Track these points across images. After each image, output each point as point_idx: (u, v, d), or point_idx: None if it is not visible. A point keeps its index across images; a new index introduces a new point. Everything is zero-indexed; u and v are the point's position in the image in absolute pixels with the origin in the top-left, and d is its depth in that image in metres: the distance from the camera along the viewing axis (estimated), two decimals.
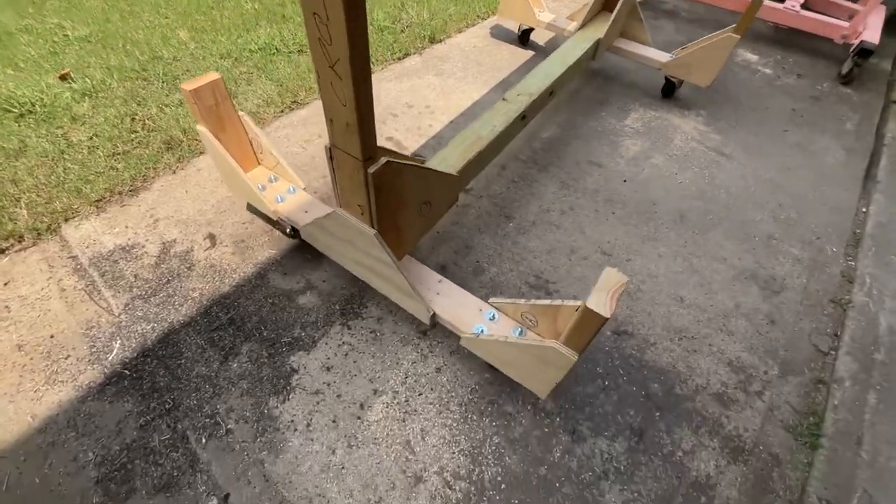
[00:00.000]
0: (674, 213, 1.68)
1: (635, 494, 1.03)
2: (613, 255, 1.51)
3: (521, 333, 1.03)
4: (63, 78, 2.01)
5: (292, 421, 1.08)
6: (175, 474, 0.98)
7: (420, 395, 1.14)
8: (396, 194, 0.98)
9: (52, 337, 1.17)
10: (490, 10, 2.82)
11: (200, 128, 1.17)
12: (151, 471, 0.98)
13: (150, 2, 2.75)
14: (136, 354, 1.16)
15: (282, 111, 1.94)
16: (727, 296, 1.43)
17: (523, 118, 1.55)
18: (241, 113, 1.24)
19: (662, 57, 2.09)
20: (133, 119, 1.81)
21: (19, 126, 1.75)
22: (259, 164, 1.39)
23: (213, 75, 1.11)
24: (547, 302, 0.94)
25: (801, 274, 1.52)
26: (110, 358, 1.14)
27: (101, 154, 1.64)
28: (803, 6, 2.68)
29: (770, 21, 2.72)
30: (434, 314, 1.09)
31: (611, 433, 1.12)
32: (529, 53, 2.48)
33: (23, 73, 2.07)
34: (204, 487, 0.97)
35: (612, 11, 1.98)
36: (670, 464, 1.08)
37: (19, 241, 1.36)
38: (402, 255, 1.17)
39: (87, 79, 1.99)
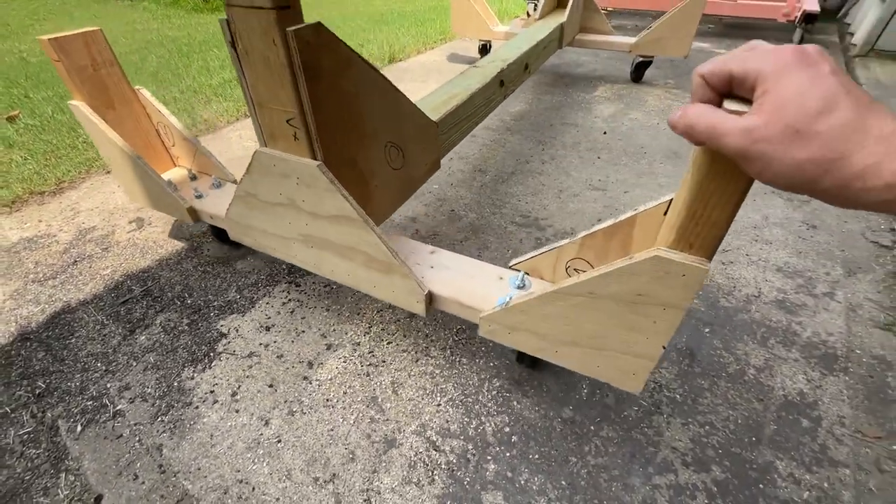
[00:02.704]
0: (666, 151, 1.52)
1: (706, 428, 0.71)
2: (608, 190, 1.31)
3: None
4: (10, 119, 1.93)
5: (212, 391, 0.77)
6: (27, 478, 0.66)
7: (389, 343, 0.86)
8: (345, 100, 0.65)
9: None
10: (445, 36, 2.94)
11: (74, 102, 0.89)
12: None
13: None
14: (11, 340, 0.87)
15: (237, 119, 1.85)
16: (749, 210, 1.21)
17: (501, 84, 1.42)
18: (139, 88, 1.00)
19: (629, 40, 2.06)
20: (76, 138, 1.69)
21: None
22: (175, 164, 1.10)
23: (90, 28, 0.87)
24: (608, 223, 0.60)
25: None
26: None
27: (32, 167, 1.48)
28: None
29: (711, 14, 2.85)
30: (430, 294, 0.70)
31: None
32: None
33: None
34: (67, 491, 0.64)
35: (565, 7, 2.01)
36: (742, 385, 0.77)
37: None
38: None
39: (36, 117, 1.92)
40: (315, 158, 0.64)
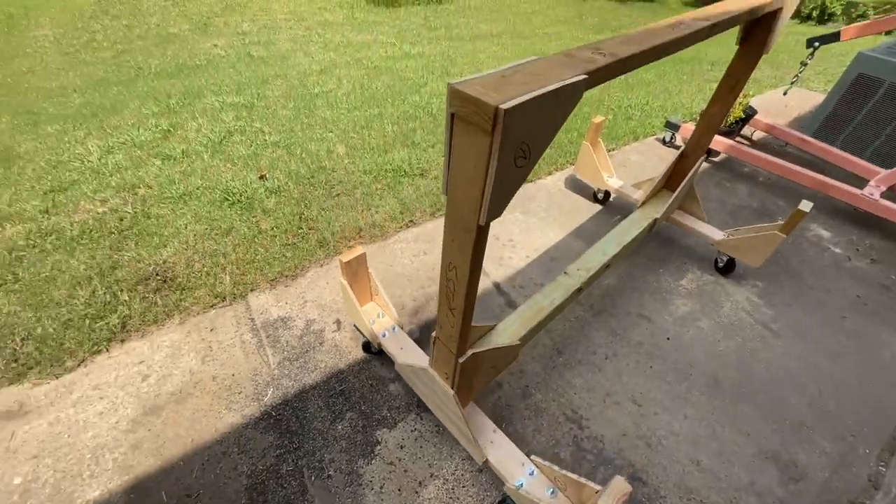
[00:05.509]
0: (708, 378, 1.92)
1: None
2: (643, 406, 1.79)
3: (552, 493, 1.28)
4: (261, 178, 2.89)
5: (371, 481, 1.50)
6: (291, 499, 1.44)
7: (463, 487, 1.51)
8: (474, 368, 1.35)
9: (233, 375, 1.76)
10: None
11: (343, 280, 1.65)
12: (278, 491, 1.45)
13: (320, 118, 3.73)
14: (279, 402, 1.69)
15: (400, 227, 2.58)
16: (743, 470, 1.62)
17: (579, 291, 1.91)
18: (370, 270, 1.72)
19: (716, 234, 2.35)
20: (301, 218, 2.55)
21: (230, 211, 2.58)
22: (371, 299, 1.84)
23: (360, 250, 1.58)
24: (575, 477, 1.23)
25: (826, 468, 1.65)
26: (265, 400, 1.69)
27: (278, 243, 2.36)
28: (884, 195, 2.83)
29: (848, 203, 2.89)
30: (486, 460, 1.36)
31: None
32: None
33: (235, 168, 3.00)
34: None
35: (673, 191, 2.36)
36: None
37: (223, 301, 2.04)
38: (467, 402, 1.51)
39: (275, 180, 2.84)
40: (452, 388, 1.32)
